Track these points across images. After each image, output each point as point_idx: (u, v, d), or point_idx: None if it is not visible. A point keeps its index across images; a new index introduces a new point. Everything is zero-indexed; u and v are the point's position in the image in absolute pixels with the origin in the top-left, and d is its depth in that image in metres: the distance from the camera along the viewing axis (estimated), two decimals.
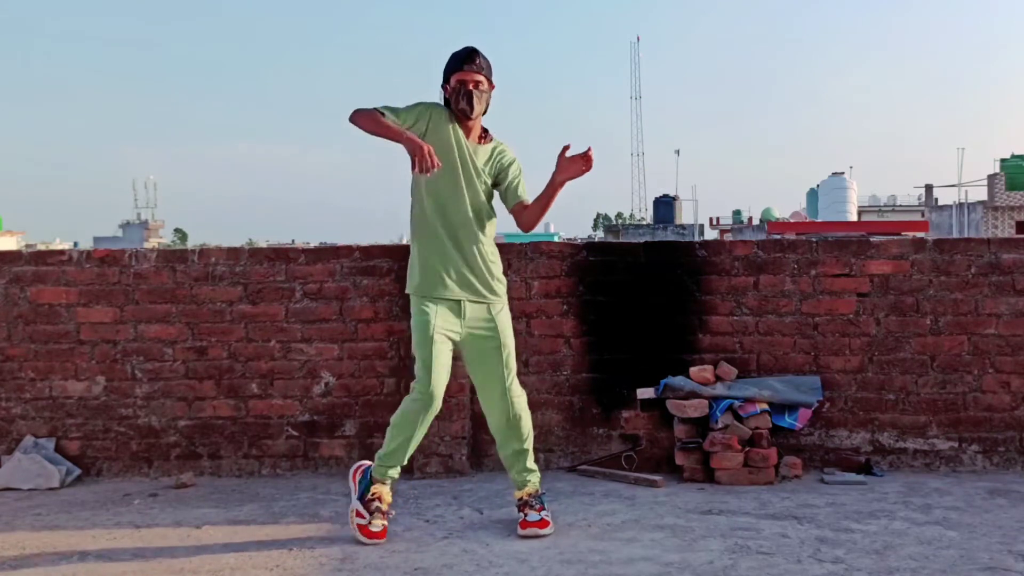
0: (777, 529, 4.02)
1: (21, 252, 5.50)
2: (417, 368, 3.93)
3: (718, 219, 59.87)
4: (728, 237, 37.13)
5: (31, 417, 5.33)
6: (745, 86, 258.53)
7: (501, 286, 4.08)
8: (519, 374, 4.16)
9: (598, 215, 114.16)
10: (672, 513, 4.30)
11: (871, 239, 5.39)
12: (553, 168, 3.97)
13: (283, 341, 5.31)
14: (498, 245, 4.32)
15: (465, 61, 3.93)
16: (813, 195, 47.78)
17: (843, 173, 45.29)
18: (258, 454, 5.30)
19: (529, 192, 4.12)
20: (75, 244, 49.84)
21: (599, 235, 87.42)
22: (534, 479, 4.09)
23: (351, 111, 3.87)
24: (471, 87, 3.90)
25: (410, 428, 3.93)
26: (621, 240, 19.19)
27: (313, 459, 5.29)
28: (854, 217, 42.64)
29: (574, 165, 3.93)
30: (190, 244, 74.03)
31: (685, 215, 56.41)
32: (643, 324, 5.27)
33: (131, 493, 4.92)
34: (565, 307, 5.31)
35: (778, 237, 7.29)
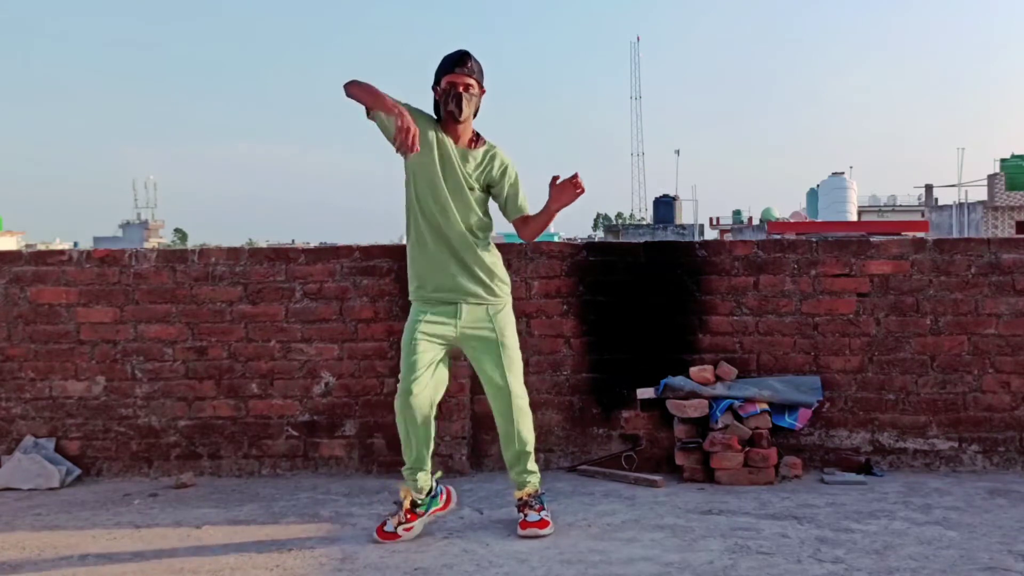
0: (777, 529, 4.02)
1: (21, 252, 5.50)
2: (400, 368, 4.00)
3: (718, 219, 59.88)
4: (728, 237, 37.12)
5: (31, 417, 5.33)
6: (745, 86, 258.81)
7: (502, 286, 4.06)
8: None
9: (598, 215, 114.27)
10: (672, 513, 4.30)
11: (871, 239, 5.39)
12: (547, 196, 4.00)
13: (283, 341, 5.31)
14: (498, 245, 4.31)
15: (456, 64, 3.91)
16: (813, 195, 47.78)
17: (843, 173, 45.28)
18: (258, 454, 5.30)
19: (529, 200, 4.10)
20: (75, 244, 49.85)
21: (599, 235, 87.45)
22: (534, 480, 4.09)
23: (346, 82, 3.84)
24: (460, 89, 3.88)
25: (402, 427, 3.99)
26: (621, 240, 19.17)
27: (313, 459, 5.29)
28: (854, 217, 42.64)
29: (565, 192, 3.94)
30: (190, 244, 74.03)
31: (685, 215, 56.47)
32: (643, 324, 5.27)
33: (131, 493, 4.93)
34: (565, 307, 5.31)
35: (778, 237, 7.29)
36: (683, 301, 5.27)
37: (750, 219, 53.41)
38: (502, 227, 4.28)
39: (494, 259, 4.06)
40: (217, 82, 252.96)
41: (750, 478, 4.82)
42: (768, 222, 40.07)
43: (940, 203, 45.72)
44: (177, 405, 5.31)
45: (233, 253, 5.38)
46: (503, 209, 4.09)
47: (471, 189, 3.97)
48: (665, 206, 54.77)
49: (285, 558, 3.74)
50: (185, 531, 4.17)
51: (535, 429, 4.19)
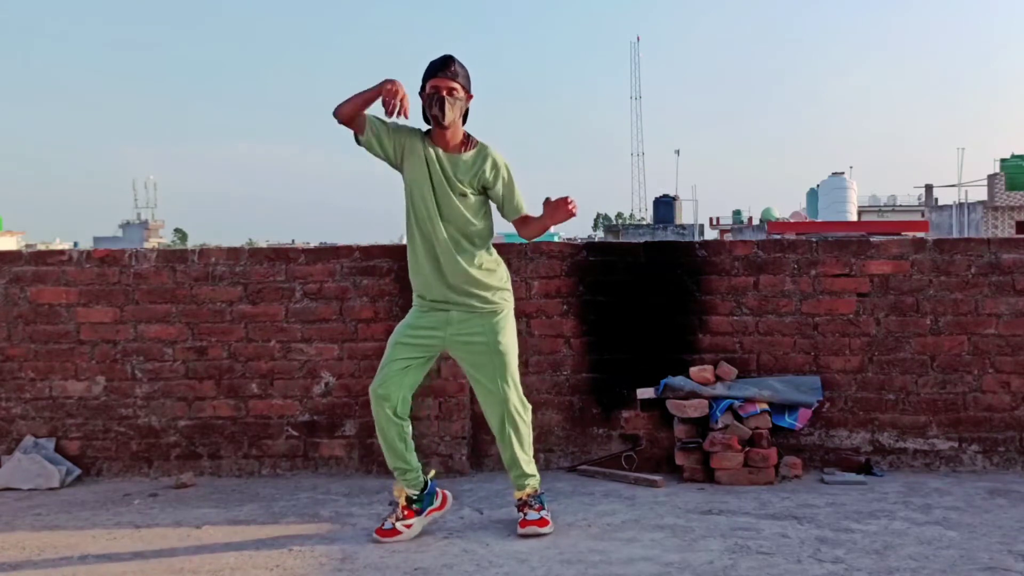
0: (777, 529, 4.02)
1: (21, 252, 5.50)
2: None
3: (718, 219, 59.86)
4: (728, 237, 37.12)
5: (31, 417, 5.33)
6: (745, 86, 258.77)
7: (499, 293, 4.02)
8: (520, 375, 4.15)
9: (598, 215, 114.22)
10: (672, 513, 4.30)
11: (871, 239, 5.39)
12: (542, 211, 4.01)
13: (283, 341, 5.31)
14: (498, 245, 4.29)
15: (439, 68, 3.91)
16: (813, 195, 47.77)
17: (843, 173, 45.27)
18: (258, 454, 5.30)
19: (527, 199, 4.09)
20: (75, 244, 49.84)
21: (599, 235, 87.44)
22: (533, 482, 4.09)
23: (333, 111, 3.85)
24: (443, 94, 3.87)
25: (378, 428, 4.01)
26: (621, 240, 19.17)
27: (313, 459, 5.29)
28: (854, 217, 42.63)
29: (559, 212, 3.93)
30: (190, 244, 74.02)
31: (685, 215, 56.45)
32: (643, 324, 5.27)
33: (131, 493, 4.93)
34: (565, 307, 5.31)
35: (778, 237, 7.29)
36: (683, 301, 5.27)
37: (750, 219, 53.40)
38: (502, 227, 4.27)
39: (491, 266, 4.03)
40: (217, 82, 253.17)
41: (750, 478, 4.82)
42: (768, 222, 40.06)
43: (940, 203, 45.72)
44: (177, 405, 5.31)
45: (233, 253, 5.38)
46: (500, 209, 4.08)
47: (463, 195, 3.95)
48: (665, 206, 54.76)
49: (285, 558, 3.74)
50: (185, 531, 4.17)
51: (535, 429, 4.20)
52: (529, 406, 4.13)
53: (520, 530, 3.96)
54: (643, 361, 5.23)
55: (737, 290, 5.26)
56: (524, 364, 5.15)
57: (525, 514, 4.00)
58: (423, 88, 3.94)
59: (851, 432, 5.19)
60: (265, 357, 5.30)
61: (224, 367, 5.31)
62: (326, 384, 5.30)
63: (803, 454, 5.11)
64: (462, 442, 5.19)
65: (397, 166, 3.99)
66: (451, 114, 3.90)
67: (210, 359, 5.31)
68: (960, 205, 40.11)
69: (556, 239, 24.48)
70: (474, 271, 3.96)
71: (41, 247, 29.99)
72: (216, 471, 5.29)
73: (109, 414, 5.32)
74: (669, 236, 43.97)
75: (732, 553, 3.70)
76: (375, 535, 3.95)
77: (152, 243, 61.29)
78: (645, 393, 5.15)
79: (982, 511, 4.29)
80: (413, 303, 4.09)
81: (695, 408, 4.95)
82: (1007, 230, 36.66)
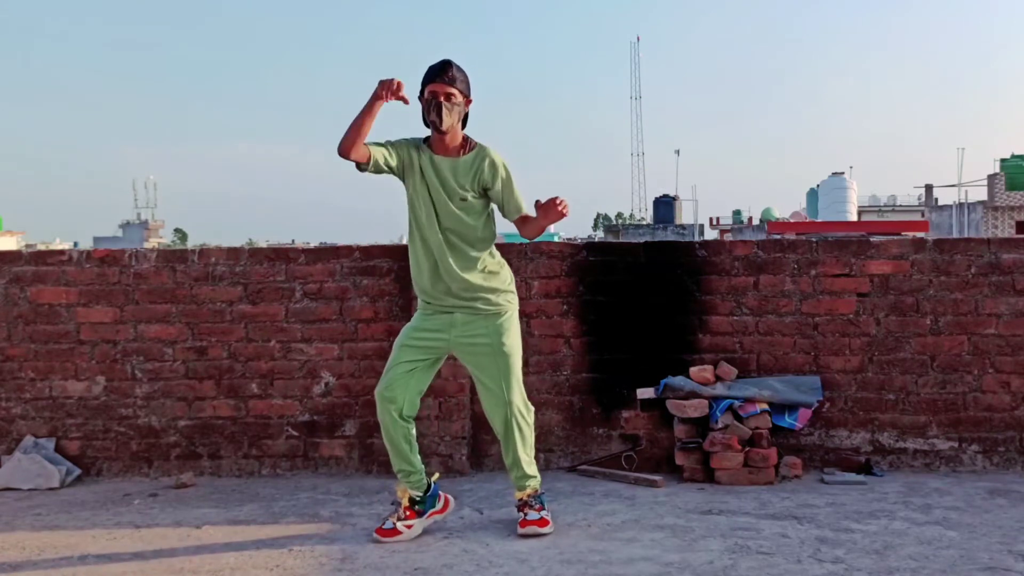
0: (777, 529, 4.02)
1: (21, 252, 5.50)
2: None
3: (718, 219, 59.85)
4: (728, 237, 37.12)
5: (31, 417, 5.33)
6: (745, 86, 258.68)
7: (503, 295, 4.04)
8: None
9: (598, 215, 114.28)
10: (672, 513, 4.30)
11: (871, 239, 5.39)
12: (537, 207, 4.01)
13: (283, 341, 5.31)
14: (498, 245, 4.29)
15: (437, 74, 3.91)
16: (813, 195, 47.76)
17: (843, 173, 45.26)
18: (258, 454, 5.30)
19: (526, 198, 4.09)
20: (75, 244, 49.83)
21: (599, 235, 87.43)
22: (534, 483, 4.09)
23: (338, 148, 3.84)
24: (441, 99, 3.88)
25: (383, 430, 4.02)
26: (621, 240, 19.16)
27: (313, 459, 5.29)
28: (854, 217, 42.62)
29: (551, 213, 3.92)
30: (190, 244, 74.03)
31: (685, 215, 56.43)
32: (643, 324, 5.27)
33: (131, 493, 4.93)
34: (565, 307, 5.31)
35: (778, 237, 7.29)
36: (683, 301, 5.27)
37: (750, 219, 53.38)
38: (502, 227, 4.27)
39: (494, 269, 4.04)
40: (217, 82, 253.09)
41: (750, 478, 4.82)
42: (768, 222, 40.06)
43: (940, 203, 45.70)
44: (177, 405, 5.31)
45: (233, 253, 5.38)
46: (500, 209, 4.08)
47: (463, 200, 3.96)
48: (665, 206, 54.75)
49: (285, 558, 3.74)
50: (185, 531, 4.17)
51: (535, 429, 4.20)
52: (532, 408, 4.14)
53: (520, 530, 3.96)
54: (643, 361, 5.23)
55: (737, 290, 5.26)
56: (524, 364, 5.13)
57: (525, 514, 4.01)
58: (422, 93, 3.95)
59: (851, 432, 5.19)
60: (265, 357, 5.31)
61: (224, 367, 5.31)
62: (326, 384, 5.30)
63: (803, 454, 5.11)
64: (462, 442, 5.19)
65: (402, 178, 4.03)
66: (449, 119, 3.90)
67: (210, 359, 5.32)
68: (960, 205, 40.11)
69: (556, 239, 24.47)
70: (476, 275, 3.97)
71: (41, 247, 29.98)
72: (216, 471, 5.29)
73: (109, 414, 5.32)
74: (669, 236, 43.96)
75: (732, 553, 3.70)
76: (375, 534, 3.96)
77: (152, 243, 61.28)
78: (645, 393, 5.15)
79: (982, 511, 4.29)
80: (418, 306, 4.11)
81: (695, 408, 4.95)
82: (1007, 230, 36.66)
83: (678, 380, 5.06)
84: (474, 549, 3.82)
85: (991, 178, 38.13)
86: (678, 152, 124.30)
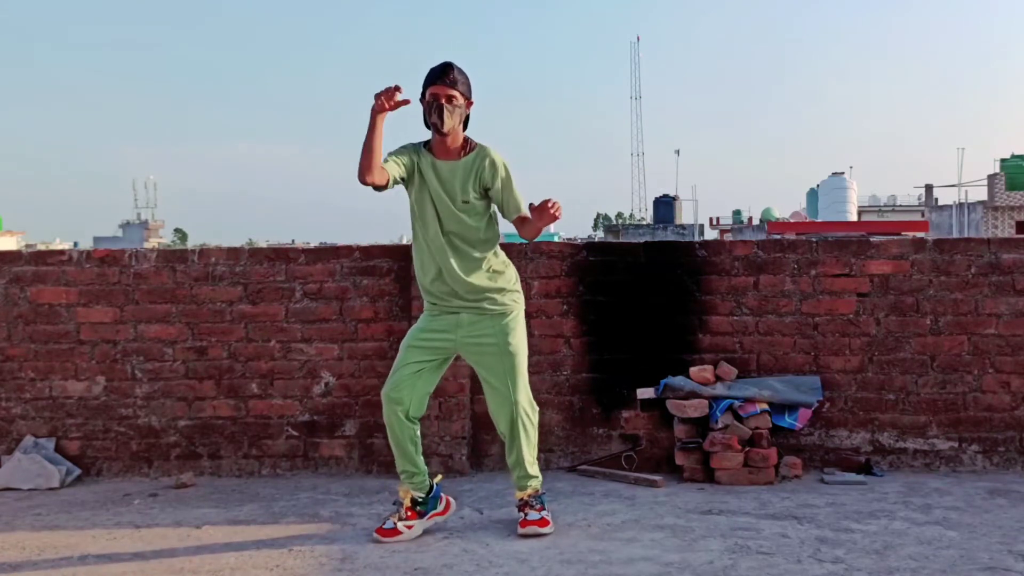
0: (777, 529, 4.03)
1: (21, 252, 5.50)
2: None
3: (718, 219, 59.83)
4: (728, 237, 37.12)
5: (31, 417, 5.33)
6: (745, 86, 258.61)
7: (508, 295, 4.05)
8: None
9: (598, 215, 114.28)
10: (672, 513, 4.30)
11: (871, 239, 5.39)
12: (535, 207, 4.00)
13: (283, 341, 5.31)
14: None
15: (439, 76, 3.92)
16: (813, 195, 47.76)
17: (843, 173, 45.26)
18: (258, 454, 5.30)
19: (525, 200, 4.09)
20: (75, 244, 49.82)
21: (599, 235, 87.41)
22: (535, 483, 4.09)
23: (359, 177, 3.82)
24: (443, 101, 3.89)
25: (389, 431, 4.03)
26: (621, 240, 19.16)
27: (313, 459, 5.29)
28: (854, 217, 42.62)
29: (545, 215, 3.90)
30: (190, 244, 74.03)
31: (685, 215, 56.42)
32: (643, 324, 5.27)
33: (131, 493, 4.93)
34: (565, 307, 5.31)
35: (778, 237, 7.29)
36: (683, 301, 5.27)
37: (750, 219, 53.38)
38: (503, 227, 4.27)
39: (499, 268, 4.06)
40: (217, 82, 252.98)
41: (750, 478, 4.82)
42: (768, 222, 40.06)
43: (940, 203, 45.70)
44: (177, 405, 5.31)
45: (233, 253, 5.39)
46: (499, 208, 4.09)
47: (466, 203, 3.97)
48: (665, 206, 54.75)
49: (285, 558, 3.74)
50: (185, 531, 4.17)
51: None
52: (537, 408, 4.14)
53: (520, 530, 3.96)
54: (643, 361, 5.23)
55: (737, 290, 5.26)
56: None
57: (526, 514, 4.01)
58: (423, 95, 3.95)
59: (851, 432, 5.19)
60: (265, 357, 5.31)
61: (224, 367, 5.31)
62: (326, 384, 5.30)
63: (803, 454, 5.11)
64: (462, 442, 5.19)
65: (406, 184, 4.05)
66: (450, 121, 3.91)
67: (210, 359, 5.32)
68: (960, 205, 40.11)
69: (556, 239, 24.48)
70: (481, 276, 3.99)
71: (41, 247, 29.99)
72: (216, 471, 5.29)
73: (109, 414, 5.32)
74: (669, 236, 43.96)
75: (732, 553, 3.70)
76: (375, 534, 3.96)
77: (152, 243, 61.28)
78: (645, 393, 5.15)
79: (982, 511, 4.29)
80: (424, 307, 4.12)
81: (695, 408, 4.95)
82: (1007, 230, 36.66)
83: (678, 380, 5.06)
84: (474, 549, 3.82)
85: (991, 178, 38.14)
86: (678, 152, 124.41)
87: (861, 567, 3.52)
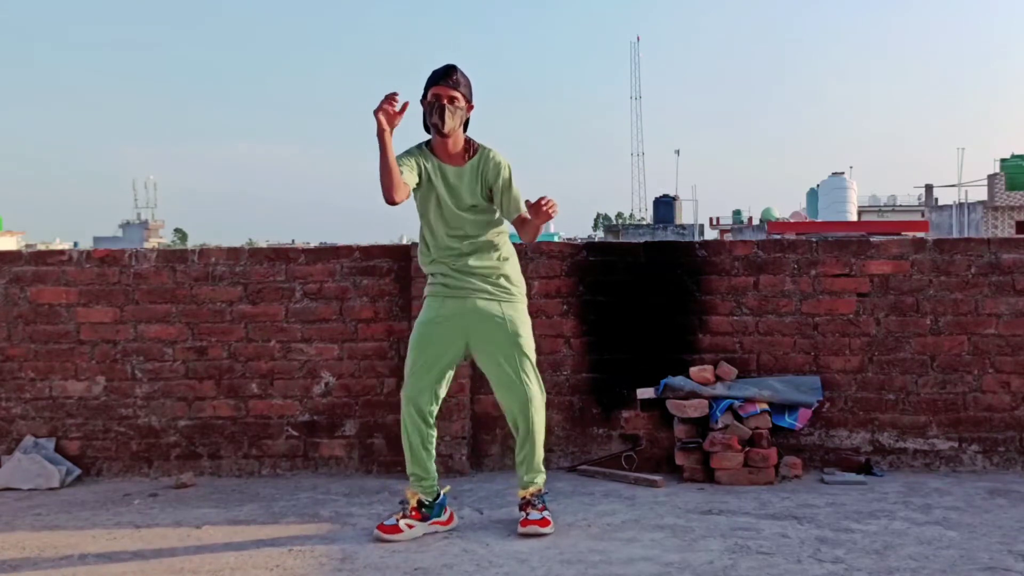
0: (777, 529, 4.03)
1: (21, 252, 5.50)
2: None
3: (718, 219, 59.84)
4: (728, 237, 37.12)
5: (31, 417, 5.33)
6: (745, 86, 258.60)
7: (514, 287, 4.09)
8: None
9: (598, 215, 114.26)
10: (672, 513, 4.30)
11: (871, 239, 5.39)
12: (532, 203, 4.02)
13: (283, 341, 5.31)
14: None
15: (441, 77, 3.94)
16: (813, 195, 47.74)
17: (843, 173, 45.24)
18: (258, 454, 5.30)
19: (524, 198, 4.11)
20: (75, 244, 49.81)
21: (599, 235, 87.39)
22: (539, 480, 4.09)
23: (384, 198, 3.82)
24: (444, 102, 3.90)
25: (404, 433, 4.05)
26: (621, 240, 19.18)
27: (313, 459, 5.29)
28: (854, 217, 42.61)
29: (540, 215, 3.91)
30: (190, 244, 74.03)
31: (685, 215, 56.43)
32: (643, 324, 5.27)
33: (131, 493, 4.93)
34: (565, 307, 5.31)
35: (778, 237, 7.29)
36: (683, 301, 5.27)
37: (750, 219, 53.38)
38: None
39: (502, 264, 4.07)
40: (217, 82, 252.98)
41: (750, 478, 4.82)
42: (768, 222, 40.06)
43: (940, 203, 45.70)
44: (177, 405, 5.31)
45: (233, 253, 5.39)
46: (500, 209, 4.09)
47: (473, 207, 4.00)
48: (665, 206, 54.75)
49: (285, 558, 3.74)
50: (185, 531, 4.17)
51: None
52: (545, 395, 4.14)
53: (521, 529, 3.96)
54: (643, 361, 5.23)
55: (737, 290, 5.26)
56: None
57: (527, 513, 4.01)
58: (425, 96, 3.96)
59: (851, 432, 5.19)
60: (265, 357, 5.31)
61: (224, 367, 5.31)
62: (326, 384, 5.30)
63: (803, 454, 5.11)
64: (462, 442, 5.19)
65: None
66: (451, 123, 3.92)
67: (210, 359, 5.32)
68: (960, 205, 40.12)
69: (556, 239, 24.48)
70: (487, 266, 4.03)
71: (41, 247, 29.99)
72: (216, 471, 5.29)
73: (109, 414, 5.32)
74: (669, 236, 43.97)
75: (732, 553, 3.70)
76: (376, 530, 3.96)
77: (152, 243, 61.28)
78: (645, 393, 5.15)
79: (982, 511, 4.29)
80: (428, 294, 4.11)
81: (695, 408, 4.95)
82: (1007, 230, 36.67)
83: (678, 380, 5.06)
84: (474, 549, 3.82)
85: (991, 178, 38.14)
86: (678, 152, 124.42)
87: (861, 567, 3.52)
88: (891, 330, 5.21)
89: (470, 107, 4.01)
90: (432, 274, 4.10)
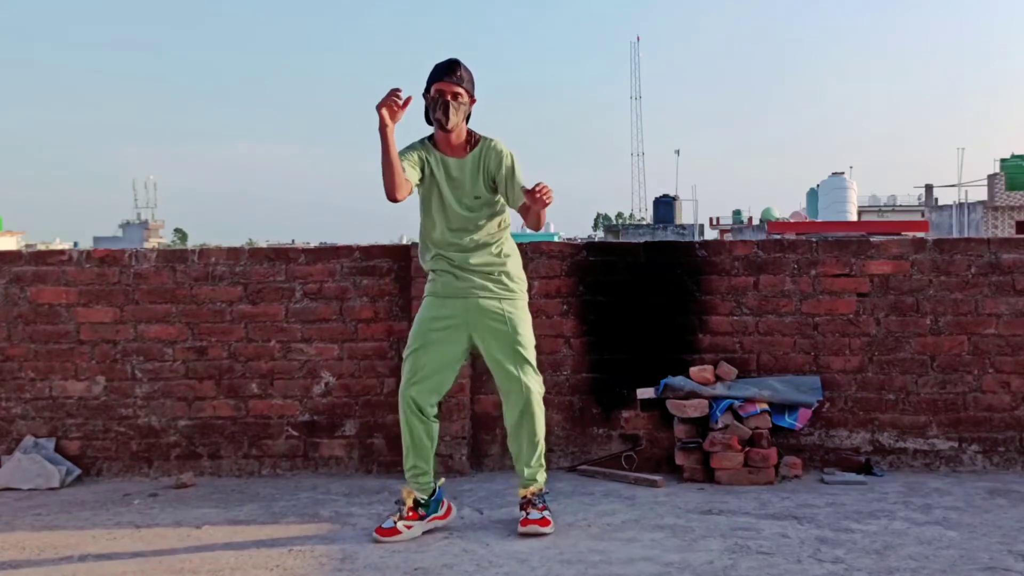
0: (777, 529, 4.03)
1: (21, 252, 5.50)
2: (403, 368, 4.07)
3: (718, 219, 59.84)
4: (728, 237, 37.12)
5: (31, 417, 5.33)
6: (745, 86, 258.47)
7: (515, 283, 4.09)
8: None
9: (598, 215, 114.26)
10: (672, 513, 4.30)
11: (871, 239, 5.39)
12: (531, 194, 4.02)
13: (283, 341, 5.31)
14: None
15: (445, 72, 3.94)
16: (813, 195, 47.74)
17: (843, 173, 45.24)
18: (258, 454, 5.30)
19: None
20: (75, 244, 49.81)
21: (599, 235, 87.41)
22: (540, 479, 4.09)
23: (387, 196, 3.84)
24: (448, 98, 3.91)
25: (406, 426, 4.05)
26: (621, 240, 19.17)
27: (313, 459, 5.29)
28: (854, 217, 42.61)
29: (536, 203, 3.90)
30: (190, 244, 74.03)
31: (685, 215, 56.44)
32: (643, 324, 5.27)
33: (131, 493, 4.93)
34: (565, 307, 5.31)
35: (778, 237, 7.29)
36: (683, 301, 5.27)
37: (750, 219, 53.38)
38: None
39: (502, 259, 4.07)
40: (217, 82, 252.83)
41: (750, 478, 4.82)
42: (768, 222, 40.06)
43: (940, 203, 45.70)
44: (177, 405, 5.31)
45: (233, 253, 5.39)
46: (505, 197, 4.09)
47: (476, 198, 4.00)
48: (665, 206, 54.76)
49: (285, 558, 3.74)
50: (185, 531, 4.17)
51: None
52: (543, 390, 4.14)
53: (521, 528, 3.96)
54: (643, 361, 5.23)
55: (737, 290, 5.26)
56: None
57: (528, 513, 4.01)
58: (427, 90, 3.96)
59: (851, 432, 5.19)
60: (265, 357, 5.31)
61: (224, 367, 5.31)
62: (326, 384, 5.30)
63: (803, 454, 5.11)
64: (462, 442, 5.19)
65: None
66: (455, 118, 3.94)
67: (210, 359, 5.32)
68: (960, 205, 40.12)
69: (556, 239, 24.48)
70: (488, 262, 4.03)
71: (41, 247, 29.99)
72: (216, 471, 5.29)
73: (109, 414, 5.32)
74: (669, 236, 43.97)
75: (732, 553, 3.70)
76: (375, 533, 3.96)
77: (152, 243, 61.29)
78: (645, 393, 5.15)
79: (982, 511, 4.29)
80: (429, 290, 4.11)
81: (695, 408, 4.95)
82: (1007, 230, 36.67)
83: (678, 380, 5.06)
84: (474, 549, 3.82)
85: (991, 178, 38.14)
86: (678, 152, 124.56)
87: (861, 567, 3.52)
88: (891, 330, 5.21)
89: (473, 101, 4.03)
90: (432, 271, 4.10)
